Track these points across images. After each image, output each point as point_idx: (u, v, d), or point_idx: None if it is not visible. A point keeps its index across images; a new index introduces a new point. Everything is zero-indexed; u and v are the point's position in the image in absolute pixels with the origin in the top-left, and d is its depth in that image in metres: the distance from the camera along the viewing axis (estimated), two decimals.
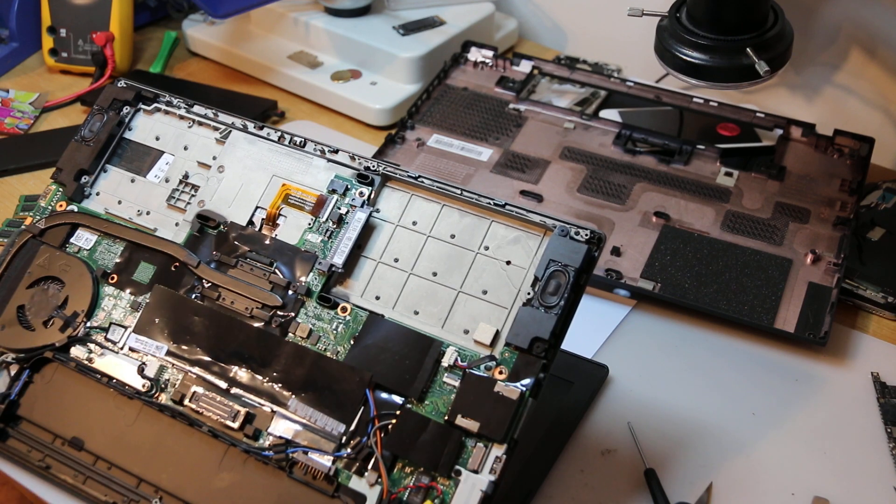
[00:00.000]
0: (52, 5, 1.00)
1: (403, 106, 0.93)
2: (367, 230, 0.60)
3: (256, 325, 0.59)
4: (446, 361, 0.55)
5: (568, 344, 0.70)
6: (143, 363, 0.59)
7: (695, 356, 0.71)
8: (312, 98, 0.98)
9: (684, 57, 0.80)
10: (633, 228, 0.79)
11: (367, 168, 0.62)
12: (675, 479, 0.62)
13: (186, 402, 0.58)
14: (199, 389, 0.58)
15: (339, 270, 0.59)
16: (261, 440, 0.56)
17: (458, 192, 0.59)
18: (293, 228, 0.61)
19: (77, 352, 0.61)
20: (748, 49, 0.78)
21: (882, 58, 0.91)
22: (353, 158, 0.62)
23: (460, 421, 0.53)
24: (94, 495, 0.58)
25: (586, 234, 0.56)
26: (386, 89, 0.95)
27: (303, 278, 0.59)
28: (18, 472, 0.61)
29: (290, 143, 0.63)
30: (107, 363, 0.60)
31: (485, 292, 0.57)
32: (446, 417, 0.54)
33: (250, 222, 0.62)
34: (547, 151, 0.87)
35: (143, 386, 0.59)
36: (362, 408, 0.55)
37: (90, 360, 0.60)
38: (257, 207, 0.62)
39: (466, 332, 0.57)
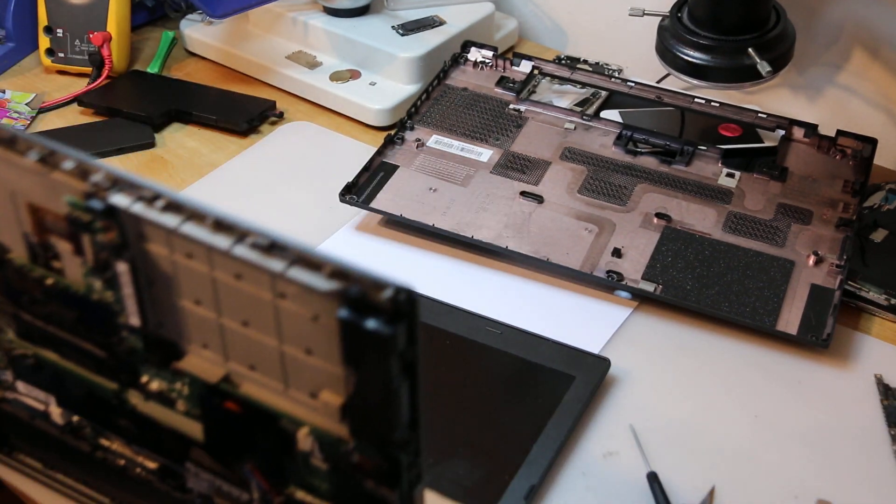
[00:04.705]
0: (48, 5, 1.00)
1: (403, 106, 0.93)
2: (147, 265, 0.45)
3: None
4: (303, 446, 0.46)
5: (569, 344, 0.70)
6: None
7: (697, 358, 0.71)
8: (311, 98, 0.98)
9: (686, 57, 0.80)
10: (634, 230, 0.78)
11: (96, 188, 0.44)
12: (677, 482, 0.62)
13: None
14: None
15: (145, 329, 0.48)
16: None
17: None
18: (72, 266, 0.48)
19: None
20: (750, 49, 0.78)
21: (885, 58, 0.91)
22: (80, 172, 0.44)
23: None
24: None
25: (387, 302, 0.38)
26: (385, 89, 0.95)
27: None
28: None
29: None
30: None
31: (308, 351, 0.42)
32: None
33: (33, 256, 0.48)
34: (547, 152, 0.86)
35: None
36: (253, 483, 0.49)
37: None
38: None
39: (313, 395, 0.44)
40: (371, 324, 0.38)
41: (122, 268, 0.46)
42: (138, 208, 0.43)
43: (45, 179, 0.46)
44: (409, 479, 0.43)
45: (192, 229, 0.42)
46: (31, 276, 0.50)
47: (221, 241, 0.41)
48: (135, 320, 0.47)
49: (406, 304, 0.38)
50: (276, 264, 0.40)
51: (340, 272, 0.39)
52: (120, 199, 0.44)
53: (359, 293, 0.38)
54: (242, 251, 0.41)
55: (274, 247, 0.40)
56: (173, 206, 0.43)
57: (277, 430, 0.46)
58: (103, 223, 0.45)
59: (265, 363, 0.44)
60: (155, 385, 0.49)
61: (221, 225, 0.42)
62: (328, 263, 0.39)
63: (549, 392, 0.66)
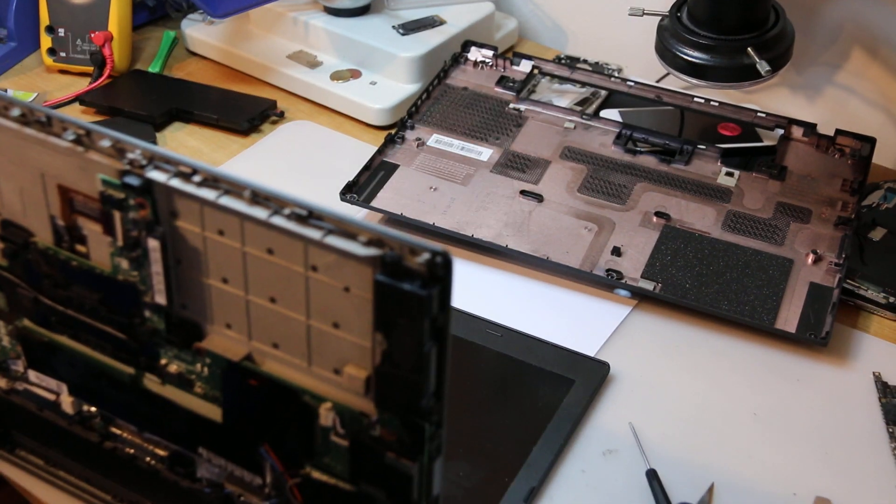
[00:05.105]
0: (50, 5, 1.00)
1: (403, 106, 0.93)
2: (177, 242, 0.46)
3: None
4: (324, 422, 0.46)
5: (568, 343, 0.70)
6: None
7: (696, 356, 0.71)
8: (312, 98, 0.98)
9: (685, 57, 0.80)
10: (633, 228, 0.78)
11: (132, 165, 0.44)
12: (676, 479, 0.62)
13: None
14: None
15: (169, 309, 0.49)
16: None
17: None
18: (99, 247, 0.48)
19: None
20: (749, 49, 0.78)
21: (884, 58, 0.91)
22: (116, 150, 0.44)
23: (365, 487, 0.46)
24: None
25: (422, 267, 0.39)
26: (385, 89, 0.95)
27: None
28: None
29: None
30: None
31: (336, 325, 0.43)
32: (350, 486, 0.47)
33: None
34: (547, 151, 0.86)
35: None
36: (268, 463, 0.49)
37: None
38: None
39: (337, 371, 0.45)
40: (407, 285, 0.39)
41: (152, 244, 0.46)
42: (176, 183, 0.44)
43: (79, 159, 0.46)
44: (430, 450, 0.43)
45: (229, 202, 0.43)
46: (55, 259, 0.50)
47: (259, 213, 0.42)
48: (160, 299, 0.47)
49: (441, 268, 0.39)
50: (313, 233, 0.41)
51: (377, 239, 0.40)
52: (157, 175, 0.44)
53: (395, 258, 0.39)
54: (280, 221, 0.42)
55: (312, 216, 0.41)
56: (211, 181, 0.44)
57: (298, 407, 0.46)
58: (136, 200, 0.45)
59: (290, 340, 0.45)
60: (174, 367, 0.50)
61: (258, 197, 0.43)
62: (365, 230, 0.40)
63: (549, 395, 0.66)
